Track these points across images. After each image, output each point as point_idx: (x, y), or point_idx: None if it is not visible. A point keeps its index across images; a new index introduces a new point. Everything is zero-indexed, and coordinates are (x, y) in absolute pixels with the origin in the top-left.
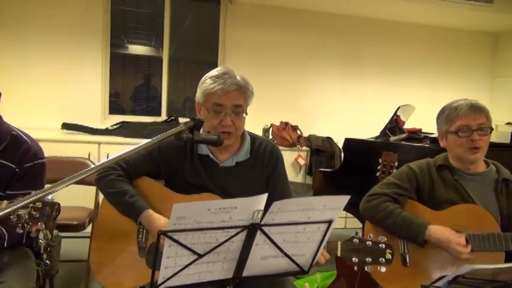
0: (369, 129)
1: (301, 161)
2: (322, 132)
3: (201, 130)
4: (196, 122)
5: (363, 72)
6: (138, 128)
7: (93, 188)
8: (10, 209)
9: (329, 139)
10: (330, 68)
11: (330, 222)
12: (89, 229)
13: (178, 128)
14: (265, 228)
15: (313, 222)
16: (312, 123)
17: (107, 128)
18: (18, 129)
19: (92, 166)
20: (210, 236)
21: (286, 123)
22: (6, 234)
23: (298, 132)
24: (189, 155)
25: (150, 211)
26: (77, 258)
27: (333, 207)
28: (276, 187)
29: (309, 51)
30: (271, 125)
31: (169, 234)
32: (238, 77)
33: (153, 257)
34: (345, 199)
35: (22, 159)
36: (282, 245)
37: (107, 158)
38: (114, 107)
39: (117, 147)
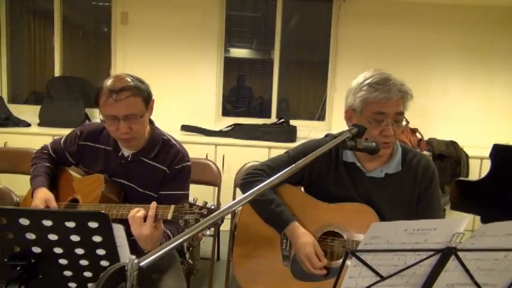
0: (501, 132)
1: None
2: (444, 136)
3: None
4: (359, 129)
5: (492, 67)
6: (250, 129)
7: (211, 188)
8: (202, 226)
9: (453, 143)
10: (452, 64)
11: None
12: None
13: (343, 135)
14: (461, 254)
15: None
16: (432, 125)
17: (220, 130)
18: (167, 134)
19: (213, 167)
20: (398, 258)
21: (407, 122)
22: (171, 236)
23: (418, 135)
24: (334, 162)
25: (296, 224)
26: (202, 256)
27: None
28: (429, 206)
29: (428, 46)
30: None
31: (358, 254)
32: (400, 82)
33: (337, 277)
34: None
35: (172, 161)
36: (474, 272)
37: (223, 159)
38: (224, 109)
39: (232, 148)
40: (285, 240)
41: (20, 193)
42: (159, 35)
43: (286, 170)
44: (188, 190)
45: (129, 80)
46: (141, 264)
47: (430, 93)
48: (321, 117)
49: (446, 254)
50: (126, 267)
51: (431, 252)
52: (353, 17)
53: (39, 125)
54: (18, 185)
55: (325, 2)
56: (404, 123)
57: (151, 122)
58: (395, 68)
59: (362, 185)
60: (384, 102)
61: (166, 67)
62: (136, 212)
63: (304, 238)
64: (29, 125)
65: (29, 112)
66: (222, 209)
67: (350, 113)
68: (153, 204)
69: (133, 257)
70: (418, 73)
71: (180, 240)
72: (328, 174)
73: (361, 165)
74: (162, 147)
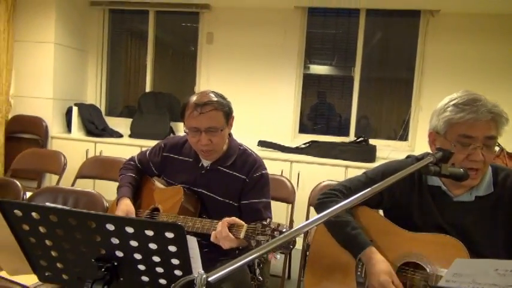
0: None
1: None
2: None
3: None
4: (445, 154)
5: None
6: (327, 147)
7: (284, 206)
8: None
9: None
10: None
11: None
12: None
13: (425, 160)
14: None
15: None
16: None
17: (297, 147)
18: (244, 145)
19: (288, 184)
20: None
21: (502, 150)
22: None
23: None
24: (417, 185)
25: (373, 249)
26: (271, 273)
27: None
28: None
29: None
30: None
31: None
32: (492, 104)
33: None
34: None
35: (250, 170)
36: None
37: (298, 176)
38: (301, 126)
39: (308, 166)
40: (360, 266)
41: (110, 198)
42: (240, 53)
43: (362, 192)
44: (269, 198)
45: (213, 95)
46: (210, 279)
47: None
48: (404, 137)
49: None
50: (195, 281)
51: None
52: (442, 33)
53: (130, 136)
54: (110, 190)
55: (412, 17)
56: (497, 148)
57: (229, 135)
58: (488, 87)
59: (450, 211)
60: (470, 123)
61: (247, 84)
62: (216, 237)
63: (381, 265)
64: (121, 136)
65: (122, 124)
66: (292, 230)
67: (433, 136)
68: (224, 222)
69: (202, 271)
70: None
71: (247, 259)
72: (411, 199)
73: (447, 189)
74: (238, 156)
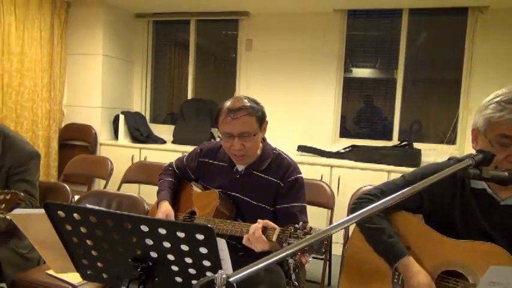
0: None
1: None
2: None
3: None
4: (486, 156)
5: None
6: (369, 152)
7: (325, 211)
8: (298, 246)
9: None
10: None
11: None
12: None
13: (464, 162)
14: None
15: None
16: None
17: (337, 151)
18: (278, 149)
19: (327, 189)
20: None
21: None
22: None
23: None
24: (460, 188)
25: (411, 259)
26: (310, 279)
27: None
28: None
29: None
30: None
31: None
32: None
33: None
34: None
35: (285, 174)
36: None
37: (338, 181)
38: (342, 130)
39: (348, 171)
40: (396, 274)
41: (153, 202)
42: (279, 59)
43: (399, 192)
44: (304, 202)
45: (246, 101)
46: (231, 279)
47: None
48: (451, 141)
49: None
50: (215, 281)
51: None
52: (491, 30)
53: (173, 142)
54: (153, 194)
55: (459, 15)
56: None
57: (263, 139)
58: None
59: (496, 215)
60: (509, 124)
61: (286, 89)
62: (248, 239)
63: (420, 277)
64: (164, 142)
65: (165, 131)
66: (321, 230)
67: (475, 133)
68: (258, 225)
69: (222, 271)
70: None
71: (270, 260)
72: (453, 203)
73: (492, 192)
74: (273, 160)
